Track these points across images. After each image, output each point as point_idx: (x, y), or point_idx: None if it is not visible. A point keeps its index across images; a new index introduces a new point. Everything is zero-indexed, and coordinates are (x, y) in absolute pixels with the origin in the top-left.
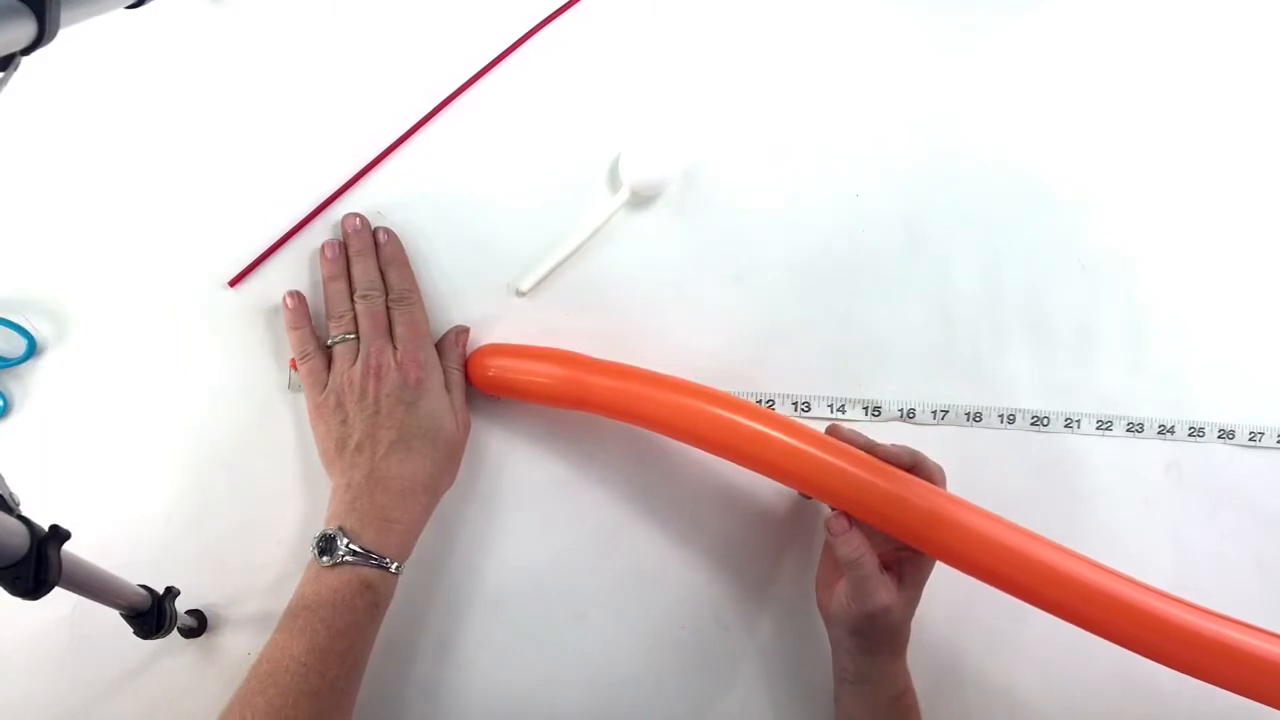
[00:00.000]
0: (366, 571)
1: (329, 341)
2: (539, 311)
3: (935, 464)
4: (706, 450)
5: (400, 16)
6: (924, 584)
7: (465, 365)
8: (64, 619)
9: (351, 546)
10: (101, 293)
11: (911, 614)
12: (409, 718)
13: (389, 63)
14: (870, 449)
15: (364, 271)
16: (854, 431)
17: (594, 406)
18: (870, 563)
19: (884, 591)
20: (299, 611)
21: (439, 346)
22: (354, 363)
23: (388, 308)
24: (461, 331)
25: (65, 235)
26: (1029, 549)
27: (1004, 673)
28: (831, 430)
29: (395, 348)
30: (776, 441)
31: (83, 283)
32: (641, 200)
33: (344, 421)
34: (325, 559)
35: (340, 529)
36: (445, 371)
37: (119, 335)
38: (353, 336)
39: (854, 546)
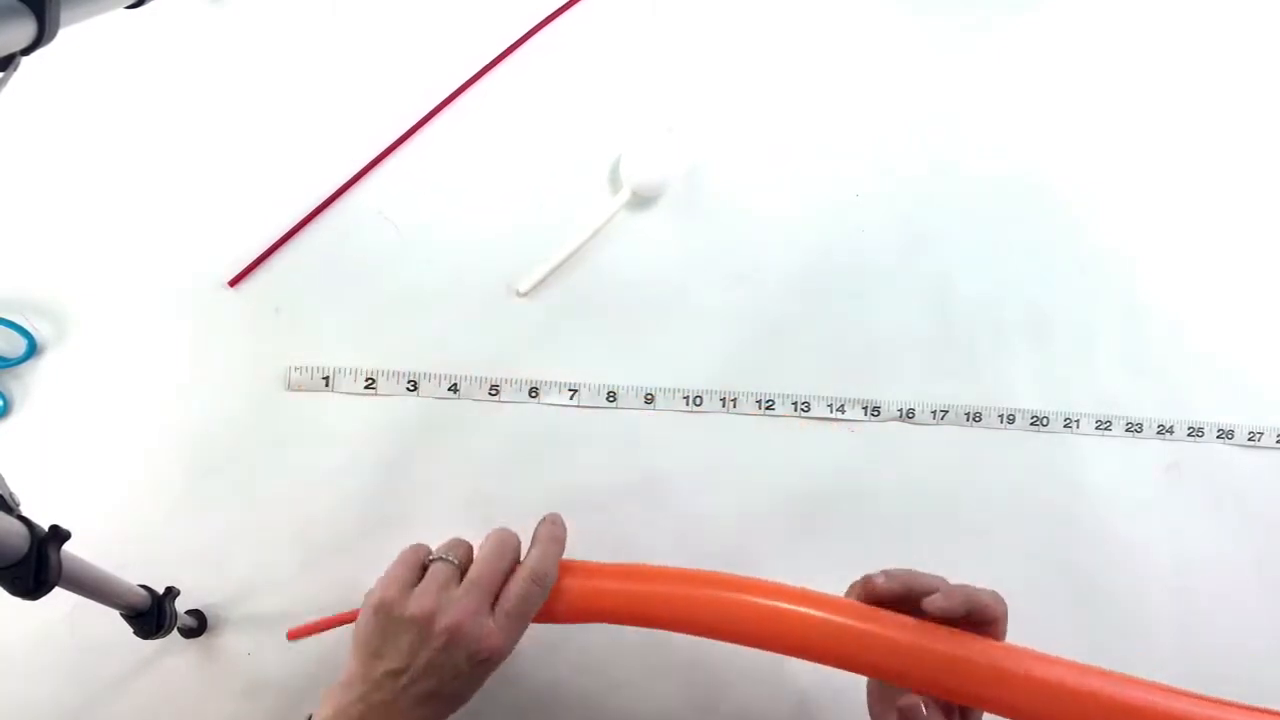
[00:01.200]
0: None
1: (430, 558)
2: (539, 311)
3: (990, 595)
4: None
5: (400, 17)
6: None
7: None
8: (64, 619)
9: None
10: (101, 293)
11: None
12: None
13: (389, 63)
14: (917, 589)
15: (512, 534)
16: (898, 572)
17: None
18: None
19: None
20: None
21: (527, 584)
22: (443, 590)
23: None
24: (555, 539)
25: (65, 235)
26: (1107, 692)
27: None
28: (867, 585)
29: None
30: (813, 622)
31: (83, 283)
32: (642, 201)
33: (395, 637)
34: None
35: None
36: (523, 609)
37: (119, 335)
38: (455, 563)
39: None
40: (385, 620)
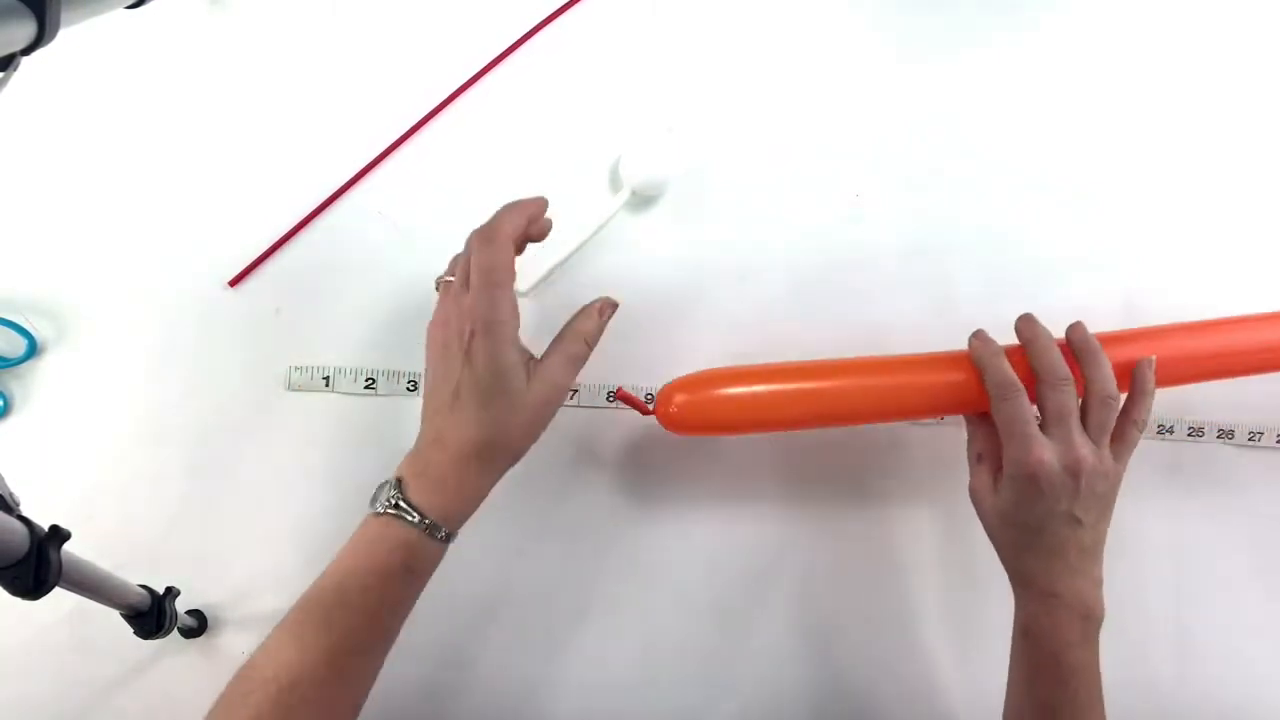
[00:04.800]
0: (401, 528)
1: (436, 281)
2: (539, 312)
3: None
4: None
5: (400, 17)
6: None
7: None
8: (64, 619)
9: (396, 497)
10: (101, 293)
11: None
12: (408, 718)
13: (389, 63)
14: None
15: (498, 215)
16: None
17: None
18: (973, 448)
19: (1041, 446)
20: (340, 558)
21: (581, 314)
22: (447, 302)
23: None
24: (608, 305)
25: (65, 235)
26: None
27: (1003, 671)
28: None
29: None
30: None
31: (83, 283)
32: (642, 201)
33: (426, 369)
34: (371, 506)
35: (398, 478)
36: (564, 339)
37: (119, 335)
38: (452, 278)
39: (970, 430)
40: (426, 359)
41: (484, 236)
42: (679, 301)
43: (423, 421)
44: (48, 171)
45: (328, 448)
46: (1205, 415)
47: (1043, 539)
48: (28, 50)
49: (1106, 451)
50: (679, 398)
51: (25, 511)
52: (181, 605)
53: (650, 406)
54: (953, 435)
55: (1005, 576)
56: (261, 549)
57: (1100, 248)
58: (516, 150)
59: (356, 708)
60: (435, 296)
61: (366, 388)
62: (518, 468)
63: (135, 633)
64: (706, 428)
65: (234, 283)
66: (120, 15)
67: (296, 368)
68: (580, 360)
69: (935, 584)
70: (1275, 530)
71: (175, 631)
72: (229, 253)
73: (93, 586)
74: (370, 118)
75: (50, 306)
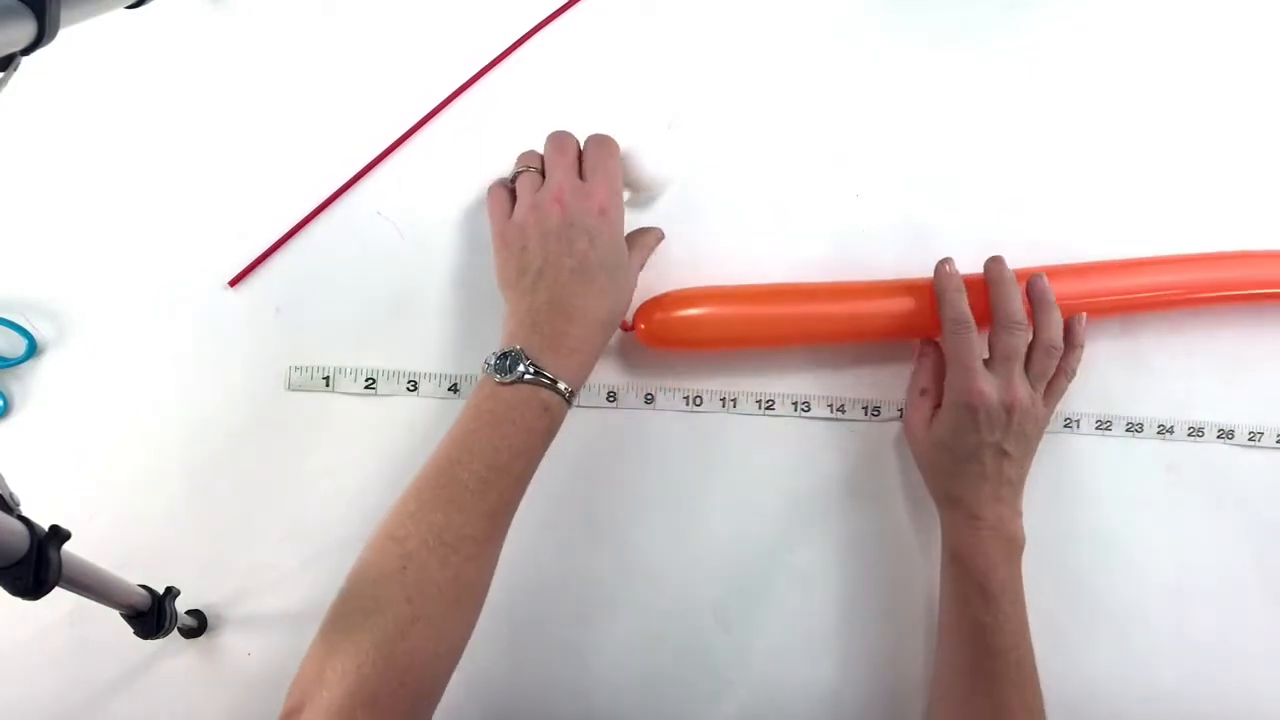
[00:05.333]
0: (545, 394)
1: (511, 174)
2: None
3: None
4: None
5: (400, 17)
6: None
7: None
8: (64, 619)
9: (533, 366)
10: (101, 293)
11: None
12: None
13: (389, 63)
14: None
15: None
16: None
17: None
18: (915, 385)
19: (984, 380)
20: (475, 427)
21: (634, 234)
22: (534, 191)
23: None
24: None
25: (65, 235)
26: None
27: None
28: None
29: (582, 179)
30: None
31: (83, 283)
32: (642, 201)
33: (524, 249)
34: (501, 376)
35: (521, 349)
36: (637, 235)
37: (119, 335)
38: (536, 169)
39: (915, 368)
40: (504, 239)
41: (600, 140)
42: None
43: (526, 293)
44: (48, 171)
45: (328, 447)
46: (1205, 415)
47: (972, 466)
48: (28, 50)
49: (1039, 396)
50: (657, 315)
51: (25, 511)
52: (181, 605)
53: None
54: None
55: (1027, 564)
56: (261, 549)
57: (1101, 246)
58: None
59: (495, 567)
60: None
61: (366, 388)
62: None
63: (135, 633)
64: (682, 342)
65: (234, 283)
66: (120, 15)
67: (296, 368)
68: (645, 254)
69: (937, 583)
70: (1275, 531)
71: (175, 631)
72: (229, 253)
73: (93, 586)
74: (370, 118)
75: (50, 306)
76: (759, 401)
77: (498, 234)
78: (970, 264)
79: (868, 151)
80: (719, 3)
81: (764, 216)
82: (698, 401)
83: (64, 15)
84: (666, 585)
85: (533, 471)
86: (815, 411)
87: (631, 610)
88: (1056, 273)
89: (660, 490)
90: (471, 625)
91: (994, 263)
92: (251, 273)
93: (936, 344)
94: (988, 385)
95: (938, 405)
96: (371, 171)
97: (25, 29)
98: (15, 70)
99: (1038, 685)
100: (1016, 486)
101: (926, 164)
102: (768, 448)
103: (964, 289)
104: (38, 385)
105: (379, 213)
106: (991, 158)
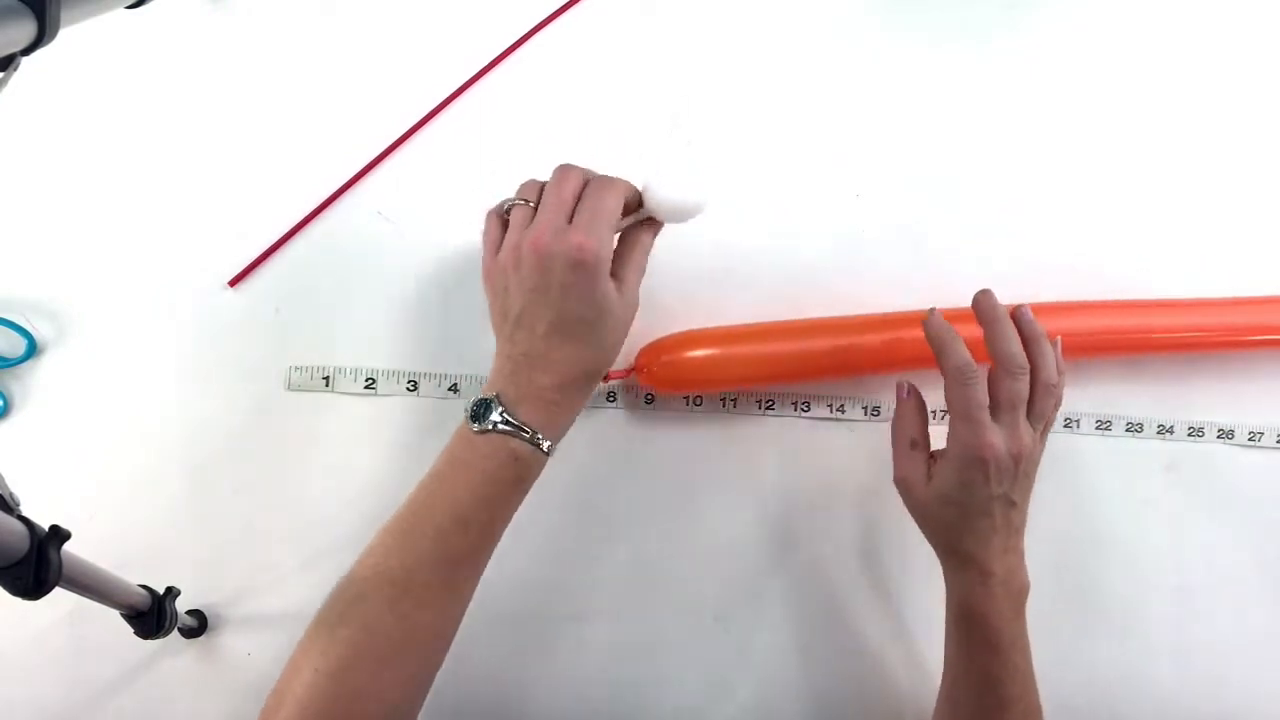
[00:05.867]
0: (517, 444)
1: (505, 205)
2: None
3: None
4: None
5: (400, 18)
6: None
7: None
8: (64, 619)
9: (506, 415)
10: (101, 293)
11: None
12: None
13: (389, 63)
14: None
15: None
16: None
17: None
18: (903, 436)
19: (993, 433)
20: (446, 473)
21: (631, 229)
22: (523, 228)
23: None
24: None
25: (65, 235)
26: None
27: None
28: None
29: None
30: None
31: (83, 283)
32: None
33: (506, 291)
34: (476, 424)
35: (497, 396)
36: (634, 252)
37: (119, 335)
38: (530, 203)
39: (897, 420)
40: (489, 279)
41: (603, 179)
42: (678, 301)
43: (506, 340)
44: (48, 171)
45: (328, 448)
46: (1205, 415)
47: (982, 521)
48: (28, 50)
49: (1039, 436)
50: (657, 359)
51: (25, 511)
52: (181, 605)
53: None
54: None
55: (1026, 564)
56: (261, 549)
57: (1101, 245)
58: (517, 150)
59: (461, 617)
60: (412, 293)
61: (366, 388)
62: None
63: (135, 633)
64: (684, 385)
65: (234, 283)
66: (120, 15)
67: (296, 368)
68: (643, 273)
69: (938, 583)
70: (1275, 530)
71: (175, 631)
72: (229, 253)
73: (93, 586)
74: (370, 118)
75: (50, 306)
76: (759, 401)
77: (484, 272)
78: (970, 263)
79: (868, 151)
80: (719, 3)
81: (764, 216)
82: (698, 402)
83: (64, 15)
84: (666, 585)
85: (503, 520)
86: (815, 411)
87: (632, 610)
88: (1058, 309)
89: (660, 490)
90: (428, 669)
91: (984, 297)
92: (251, 273)
93: (916, 388)
94: (997, 437)
95: (930, 455)
96: (371, 171)
97: (25, 29)
98: (15, 70)
99: None
100: (1020, 530)
101: (926, 164)
102: (768, 448)
103: (959, 336)
104: (38, 385)
105: (379, 213)
106: (991, 158)
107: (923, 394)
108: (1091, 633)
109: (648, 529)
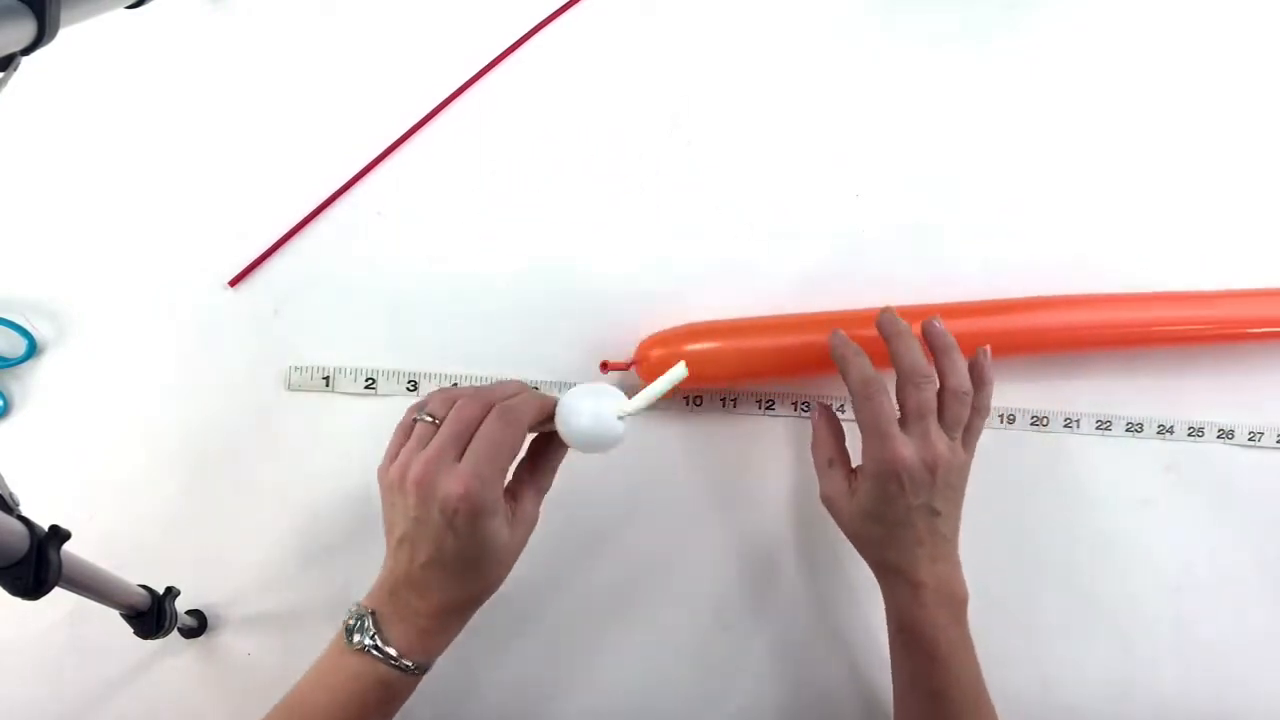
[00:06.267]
0: (384, 670)
1: (413, 416)
2: (532, 310)
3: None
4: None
5: (400, 17)
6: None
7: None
8: (64, 619)
9: (376, 639)
10: (101, 293)
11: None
12: (407, 718)
13: (389, 63)
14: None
15: (503, 384)
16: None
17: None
18: (821, 455)
19: (902, 444)
20: (310, 693)
21: (541, 445)
22: (418, 448)
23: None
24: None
25: (65, 235)
26: None
27: (1004, 670)
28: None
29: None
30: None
31: (83, 283)
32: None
33: (392, 506)
34: (347, 640)
35: (372, 612)
36: (541, 474)
37: (119, 335)
38: (435, 421)
39: (814, 438)
40: (382, 490)
41: (508, 409)
42: (678, 300)
43: (390, 556)
44: (48, 171)
45: (328, 448)
46: (1205, 415)
47: (905, 532)
48: (28, 50)
49: (958, 443)
50: (656, 351)
51: (25, 511)
52: (181, 605)
53: (630, 362)
54: None
55: (1008, 565)
56: (261, 549)
57: (1100, 247)
58: (517, 150)
59: None
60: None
61: (366, 388)
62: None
63: (135, 633)
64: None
65: (234, 283)
66: (120, 15)
67: (296, 368)
68: (547, 490)
69: None
70: (1275, 530)
71: (175, 631)
72: (229, 253)
73: (93, 586)
74: (370, 118)
75: (50, 306)
76: (759, 401)
77: (378, 473)
78: (970, 263)
79: (868, 151)
80: (719, 3)
81: (764, 216)
82: (698, 402)
83: (64, 15)
84: (667, 585)
85: None
86: None
87: (631, 610)
88: (1059, 303)
89: (660, 490)
90: None
91: (884, 314)
92: (251, 273)
93: (827, 406)
94: (907, 449)
95: (849, 470)
96: (371, 171)
97: (25, 29)
98: (15, 70)
99: None
100: (952, 540)
101: (926, 164)
102: (768, 448)
103: (862, 351)
104: (38, 385)
105: (379, 213)
106: (991, 158)
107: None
108: (1091, 633)
109: (647, 529)
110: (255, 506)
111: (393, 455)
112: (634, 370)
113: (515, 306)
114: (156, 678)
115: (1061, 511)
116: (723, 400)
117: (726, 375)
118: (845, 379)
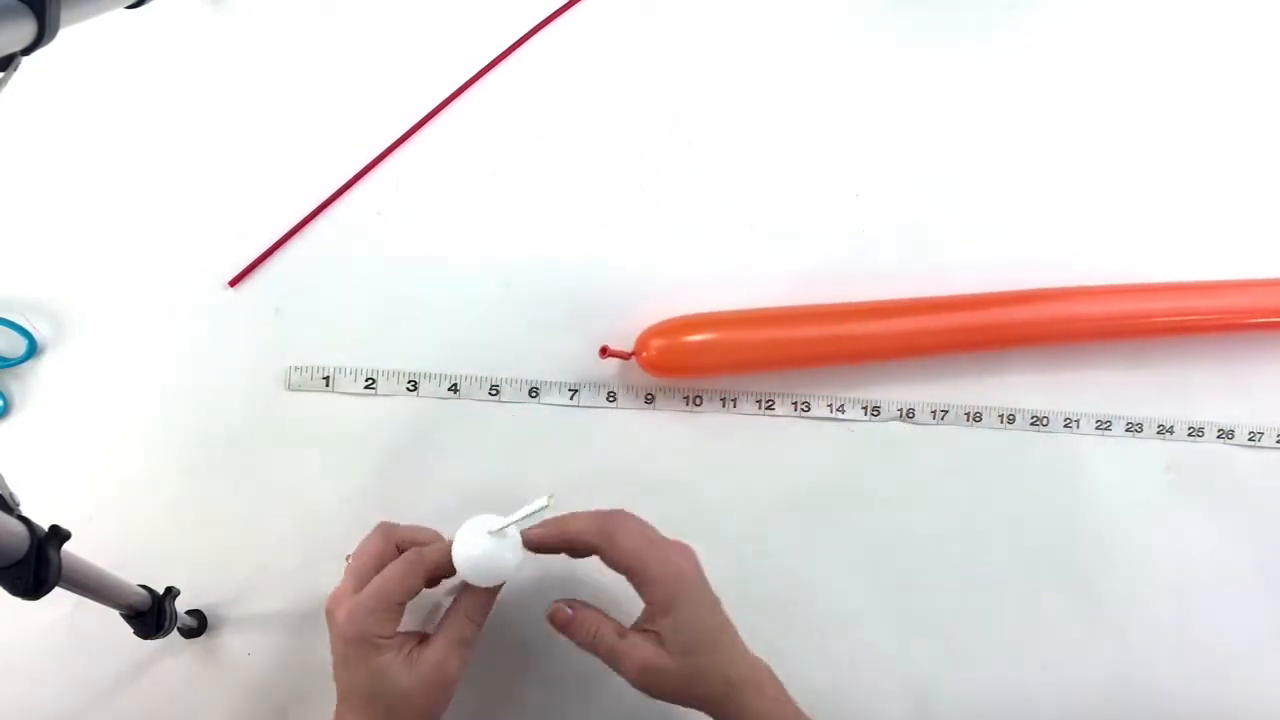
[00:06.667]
0: None
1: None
2: (532, 310)
3: (585, 524)
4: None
5: (400, 17)
6: (686, 626)
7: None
8: (64, 619)
9: None
10: (101, 293)
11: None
12: None
13: (389, 63)
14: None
15: (416, 529)
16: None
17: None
18: (608, 632)
19: (678, 548)
20: None
21: (463, 595)
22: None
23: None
24: (489, 591)
25: (65, 235)
26: None
27: (1004, 671)
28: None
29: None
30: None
31: (83, 283)
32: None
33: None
34: None
35: None
36: (450, 621)
37: (119, 335)
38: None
39: (586, 629)
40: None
41: (409, 552)
42: (678, 299)
43: (335, 675)
44: (48, 171)
45: (328, 448)
46: (1205, 415)
47: (726, 629)
48: (28, 50)
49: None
50: (655, 342)
51: (25, 511)
52: (181, 605)
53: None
54: (955, 435)
55: (1008, 565)
56: (261, 549)
57: (1100, 247)
58: (517, 150)
59: None
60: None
61: (366, 388)
62: (520, 468)
63: (135, 633)
64: (683, 370)
65: (234, 283)
66: (120, 15)
67: (296, 368)
68: (469, 642)
69: (938, 580)
70: (1275, 530)
71: (175, 631)
72: (229, 253)
73: (93, 586)
74: (370, 118)
75: (50, 306)
76: (759, 401)
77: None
78: (970, 264)
79: (868, 151)
80: (719, 3)
81: (764, 216)
82: (697, 401)
83: (64, 15)
84: None
85: None
86: (815, 411)
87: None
88: (1059, 295)
89: (660, 490)
90: None
91: (555, 533)
92: (251, 273)
93: (574, 608)
94: (678, 548)
95: (644, 629)
96: (371, 171)
97: (25, 29)
98: (15, 70)
99: None
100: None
101: (926, 164)
102: (768, 448)
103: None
104: (38, 385)
105: (379, 213)
106: (991, 158)
107: (910, 386)
108: (1091, 633)
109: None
110: (255, 506)
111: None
112: (634, 360)
113: (515, 307)
114: (156, 678)
115: (1061, 511)
116: (722, 400)
117: (726, 366)
118: (577, 537)
